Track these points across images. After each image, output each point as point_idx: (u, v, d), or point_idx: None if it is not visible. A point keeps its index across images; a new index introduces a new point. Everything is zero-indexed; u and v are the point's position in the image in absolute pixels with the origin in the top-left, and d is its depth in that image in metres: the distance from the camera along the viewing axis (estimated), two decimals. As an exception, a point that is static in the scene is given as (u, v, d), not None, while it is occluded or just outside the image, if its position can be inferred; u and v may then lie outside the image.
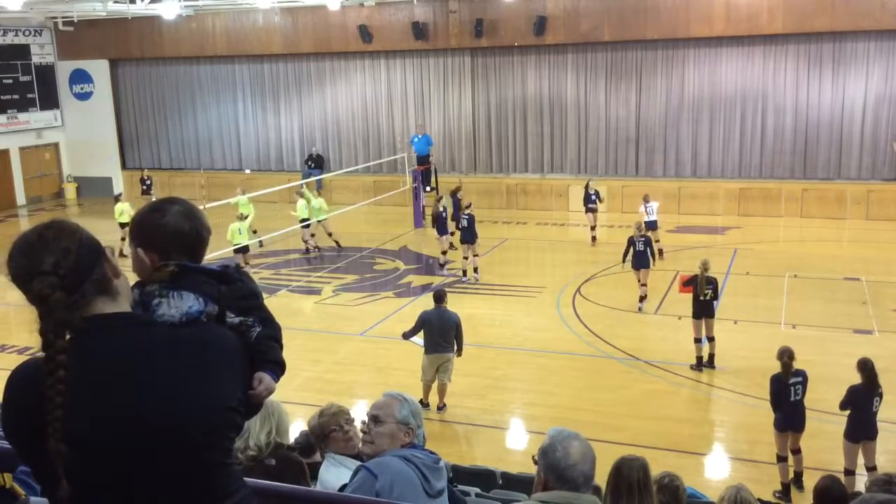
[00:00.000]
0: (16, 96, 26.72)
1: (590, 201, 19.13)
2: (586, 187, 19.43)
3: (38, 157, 27.84)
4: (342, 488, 3.48)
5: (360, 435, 3.97)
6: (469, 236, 16.58)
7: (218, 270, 2.17)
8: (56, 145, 28.33)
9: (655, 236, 16.73)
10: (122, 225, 18.07)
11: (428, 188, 22.49)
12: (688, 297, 12.01)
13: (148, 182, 24.09)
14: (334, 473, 4.06)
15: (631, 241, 14.73)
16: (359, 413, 4.48)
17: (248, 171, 26.55)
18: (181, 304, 2.06)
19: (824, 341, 12.69)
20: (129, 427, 1.88)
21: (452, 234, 17.45)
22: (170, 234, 2.16)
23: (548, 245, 20.68)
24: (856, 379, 8.41)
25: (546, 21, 22.38)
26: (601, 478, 4.25)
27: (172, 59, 27.08)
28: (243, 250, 17.09)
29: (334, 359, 13.00)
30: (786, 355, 8.58)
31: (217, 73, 26.98)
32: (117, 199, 20.28)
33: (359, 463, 3.82)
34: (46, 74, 27.57)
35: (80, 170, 28.34)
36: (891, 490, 4.63)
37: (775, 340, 10.81)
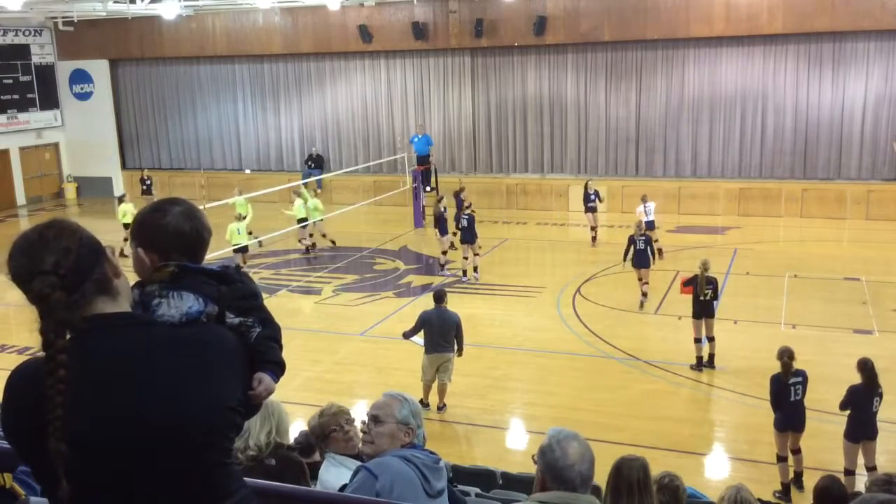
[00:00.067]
0: (16, 96, 26.72)
1: (589, 201, 19.14)
2: (586, 187, 19.44)
3: (38, 157, 27.84)
4: (342, 488, 3.48)
5: (361, 435, 3.97)
6: (469, 236, 16.59)
7: (218, 271, 2.18)
8: (56, 145, 28.33)
9: (654, 236, 16.73)
10: (126, 226, 18.06)
11: (428, 188, 22.50)
12: (688, 297, 12.01)
13: (148, 182, 24.09)
14: (334, 473, 4.06)
15: (631, 240, 14.76)
16: (359, 413, 4.48)
17: (248, 172, 26.56)
18: (181, 305, 2.07)
19: (824, 341, 12.69)
20: (129, 427, 1.88)
21: (455, 234, 17.43)
22: (170, 235, 2.17)
23: (548, 245, 20.68)
24: (856, 379, 8.41)
25: (546, 21, 22.39)
26: (601, 478, 4.25)
27: (172, 59, 27.08)
28: (242, 250, 17.09)
29: (334, 359, 13.00)
30: (786, 355, 8.58)
31: (217, 73, 26.98)
32: (121, 199, 20.28)
33: (359, 463, 3.82)
34: (46, 74, 27.57)
35: (80, 170, 28.35)
36: (891, 490, 4.63)
37: (775, 340, 10.81)
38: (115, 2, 21.99)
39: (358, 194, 24.40)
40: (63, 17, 26.00)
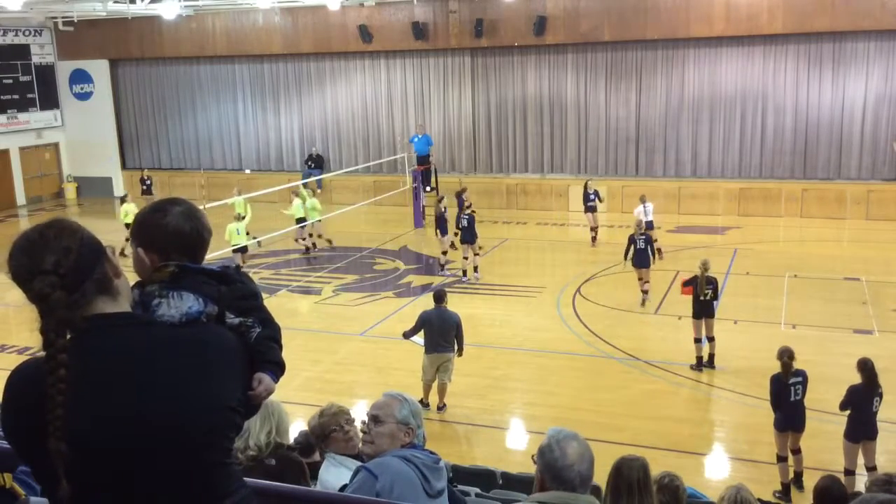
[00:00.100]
0: (16, 96, 26.71)
1: (589, 200, 19.14)
2: (585, 187, 19.44)
3: (38, 157, 27.84)
4: (342, 489, 3.48)
5: (361, 435, 3.97)
6: (469, 236, 16.60)
7: (218, 271, 2.18)
8: (56, 145, 28.33)
9: (653, 236, 16.73)
10: (128, 226, 18.06)
11: (428, 188, 22.49)
12: (687, 298, 12.01)
13: (148, 182, 24.09)
14: (334, 473, 4.06)
15: (631, 240, 14.78)
16: (359, 413, 4.48)
17: (248, 172, 26.56)
18: (181, 305, 2.07)
19: (824, 341, 12.69)
20: (129, 427, 1.88)
21: (456, 234, 17.41)
22: (170, 235, 2.17)
23: (548, 245, 20.68)
24: (856, 379, 8.41)
25: (546, 21, 22.39)
26: (601, 478, 4.25)
27: (172, 59, 27.08)
28: (242, 251, 17.09)
29: (334, 359, 13.00)
30: (786, 355, 8.58)
31: (217, 73, 26.98)
32: (123, 199, 20.28)
33: (359, 463, 3.82)
34: (46, 74, 27.57)
35: (80, 170, 28.35)
36: (891, 490, 4.63)
37: (775, 340, 10.81)
38: (115, 2, 21.99)
39: (358, 194, 24.40)
40: (63, 17, 26.00)
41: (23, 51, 26.86)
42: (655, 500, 4.23)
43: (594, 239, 19.30)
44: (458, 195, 19.05)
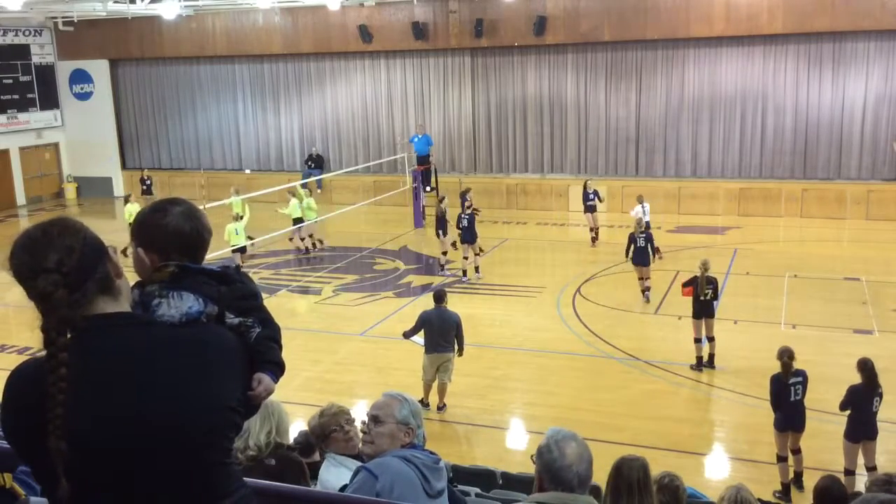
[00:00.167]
0: (16, 96, 26.71)
1: (588, 200, 19.13)
2: (585, 186, 19.44)
3: (38, 157, 27.84)
4: (342, 489, 3.48)
5: (361, 435, 3.97)
6: (469, 236, 16.60)
7: (218, 271, 2.18)
8: (56, 145, 28.32)
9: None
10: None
11: (428, 188, 22.49)
12: (687, 298, 12.00)
13: (148, 182, 24.10)
14: (334, 473, 4.06)
15: (632, 238, 14.80)
16: (359, 413, 4.48)
17: (248, 172, 26.56)
18: (181, 305, 2.07)
19: (824, 341, 12.69)
20: (129, 427, 1.88)
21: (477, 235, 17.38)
22: (170, 235, 2.17)
23: (548, 245, 20.68)
24: (856, 379, 8.41)
25: (546, 21, 22.39)
26: (601, 478, 4.25)
27: (172, 59, 27.08)
28: (241, 250, 17.09)
29: (334, 359, 13.00)
30: (786, 355, 8.58)
31: (217, 73, 26.98)
32: (127, 199, 20.28)
33: (359, 463, 3.82)
34: (46, 74, 27.57)
35: (80, 170, 28.35)
36: (891, 490, 4.63)
37: (775, 340, 10.81)
38: (115, 2, 21.99)
39: (358, 194, 24.40)
40: (63, 17, 26.00)
41: (23, 51, 26.86)
42: (655, 500, 4.23)
43: (594, 239, 19.29)
44: (463, 195, 19.02)
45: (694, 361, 11.85)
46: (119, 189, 28.05)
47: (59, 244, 1.91)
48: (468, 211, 16.88)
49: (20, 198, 27.11)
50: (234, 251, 16.64)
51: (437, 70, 24.63)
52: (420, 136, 23.16)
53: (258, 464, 4.26)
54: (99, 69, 27.72)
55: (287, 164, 26.60)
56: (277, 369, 2.21)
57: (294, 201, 19.08)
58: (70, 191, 28.34)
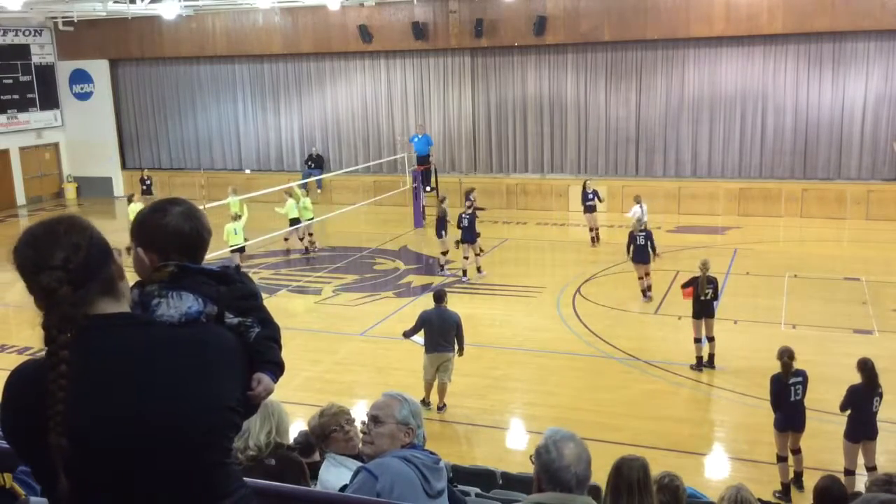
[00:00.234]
0: (16, 96, 26.71)
1: (587, 200, 19.12)
2: (584, 186, 19.44)
3: (38, 157, 27.84)
4: (342, 489, 3.48)
5: (361, 435, 3.97)
6: (469, 236, 16.61)
7: (217, 271, 2.18)
8: (56, 145, 28.32)
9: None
10: None
11: (428, 188, 22.49)
12: (687, 299, 11.99)
13: (148, 182, 24.10)
14: (334, 473, 4.06)
15: (632, 237, 14.82)
16: (359, 413, 4.48)
17: (248, 172, 26.56)
18: (180, 305, 2.07)
19: (824, 341, 12.69)
20: (128, 427, 1.88)
21: (479, 235, 17.37)
22: (170, 235, 2.17)
23: (548, 245, 20.69)
24: (856, 379, 8.41)
25: (546, 21, 22.39)
26: (601, 477, 4.25)
27: (172, 59, 27.08)
28: (239, 250, 17.09)
29: (334, 359, 13.00)
30: (786, 355, 8.58)
31: (217, 73, 26.98)
32: (130, 199, 20.28)
33: (359, 463, 3.82)
34: (46, 74, 27.57)
35: (80, 170, 28.35)
36: (891, 490, 4.63)
37: (775, 340, 10.81)
38: (115, 2, 21.99)
39: (358, 194, 24.40)
40: (63, 17, 25.99)
41: (23, 51, 26.86)
42: (655, 500, 4.23)
43: (594, 239, 19.26)
44: (467, 194, 18.99)
45: (694, 361, 11.84)
46: (119, 189, 28.06)
47: (66, 242, 1.91)
48: (469, 211, 16.88)
49: (20, 198, 27.11)
50: (232, 251, 16.65)
51: (437, 70, 24.63)
52: (420, 136, 23.16)
53: (258, 464, 4.26)
54: (99, 69, 27.72)
55: (287, 164, 26.60)
56: (277, 369, 2.21)
57: (290, 201, 19.05)
58: (70, 191, 28.34)
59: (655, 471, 4.52)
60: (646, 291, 14.95)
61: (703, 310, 11.71)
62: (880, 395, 8.35)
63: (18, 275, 1.92)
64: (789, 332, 13.12)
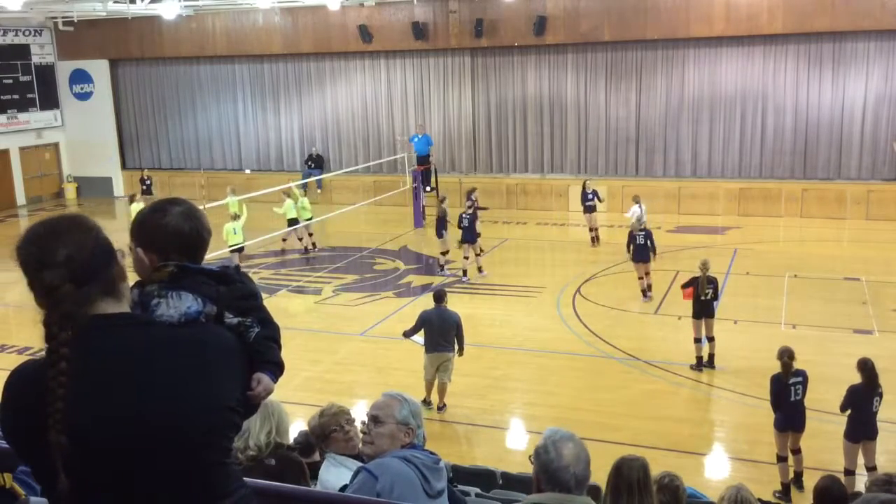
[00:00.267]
0: (16, 96, 26.71)
1: (587, 200, 19.11)
2: (584, 187, 19.43)
3: (38, 157, 27.84)
4: (342, 489, 3.48)
5: (361, 435, 3.96)
6: (469, 236, 16.61)
7: (217, 271, 2.18)
8: (56, 145, 28.33)
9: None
10: None
11: (428, 188, 22.49)
12: (687, 299, 11.99)
13: (148, 182, 24.11)
14: (334, 473, 4.06)
15: (632, 236, 14.83)
16: (359, 413, 4.47)
17: (248, 172, 26.56)
18: (180, 305, 2.07)
19: (824, 341, 12.69)
20: (128, 427, 1.88)
21: (479, 235, 17.38)
22: (170, 235, 2.17)
23: (548, 245, 20.69)
24: (856, 379, 8.41)
25: (546, 21, 22.39)
26: (601, 477, 4.25)
27: (172, 59, 27.08)
28: (238, 250, 17.10)
29: (334, 359, 12.99)
30: (786, 355, 8.58)
31: (217, 73, 26.98)
32: (132, 198, 20.29)
33: (359, 463, 3.82)
34: (46, 74, 27.57)
35: (80, 170, 28.35)
36: (891, 490, 4.63)
37: (775, 340, 10.81)
38: (115, 2, 21.99)
39: (358, 194, 24.40)
40: (63, 17, 25.99)
41: (23, 51, 26.86)
42: (655, 500, 4.23)
43: (594, 240, 19.24)
44: (469, 194, 18.99)
45: (694, 361, 11.84)
46: (119, 189, 28.07)
47: (71, 240, 1.92)
48: (469, 211, 16.89)
49: (20, 198, 27.11)
50: (232, 251, 16.66)
51: (437, 70, 24.63)
52: (420, 136, 23.16)
53: (258, 464, 4.26)
54: (99, 69, 27.72)
55: (287, 164, 26.60)
56: (277, 369, 2.21)
57: (288, 201, 19.03)
58: (70, 191, 28.34)
59: (655, 471, 4.52)
60: (646, 291, 14.97)
61: (704, 310, 11.71)
62: (880, 395, 8.35)
63: (21, 271, 1.92)
64: (789, 332, 13.12)
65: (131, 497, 1.92)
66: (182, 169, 27.61)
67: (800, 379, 8.60)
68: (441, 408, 10.80)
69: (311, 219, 19.51)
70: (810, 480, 7.52)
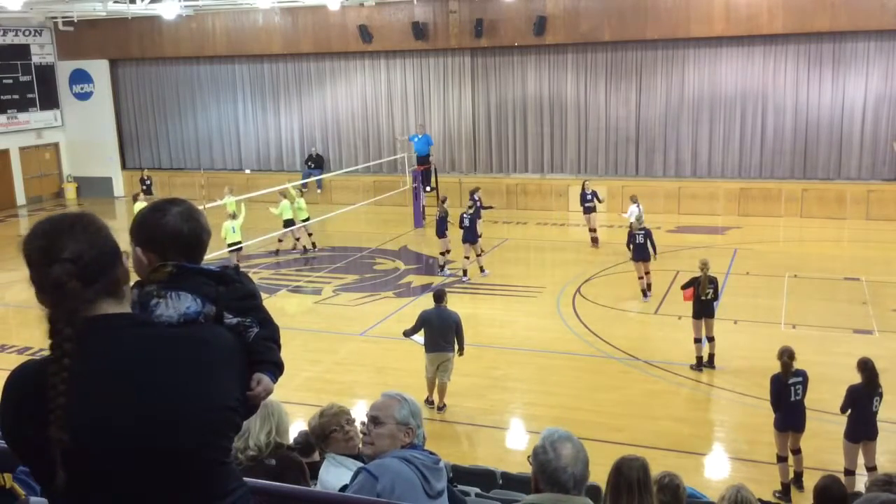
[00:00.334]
0: (16, 96, 26.71)
1: (586, 201, 19.10)
2: (583, 187, 19.42)
3: (38, 157, 27.84)
4: (342, 489, 3.48)
5: (361, 436, 3.96)
6: (470, 236, 16.61)
7: (216, 271, 2.18)
8: (56, 145, 28.33)
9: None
10: None
11: (428, 188, 22.49)
12: (688, 300, 11.99)
13: (148, 182, 24.11)
14: (334, 474, 4.05)
15: (631, 235, 14.83)
16: (359, 413, 4.47)
17: (248, 172, 26.56)
18: (179, 305, 2.07)
19: (824, 341, 12.69)
20: (128, 426, 1.88)
21: (480, 235, 17.38)
22: (168, 235, 2.17)
23: (548, 245, 20.69)
24: (856, 379, 8.40)
25: (546, 21, 22.39)
26: (601, 477, 4.25)
27: (172, 59, 27.08)
28: (237, 249, 17.10)
29: (334, 359, 12.99)
30: (786, 355, 8.58)
31: (217, 73, 26.98)
32: (135, 197, 20.26)
33: (359, 463, 3.82)
34: (46, 74, 27.57)
35: (80, 170, 28.35)
36: (891, 490, 4.62)
37: (775, 340, 10.81)
38: (115, 2, 21.99)
39: (358, 194, 24.39)
40: (63, 17, 26.00)
41: (23, 51, 26.86)
42: (655, 499, 4.23)
43: (594, 240, 19.22)
44: (471, 194, 18.99)
45: (694, 361, 11.84)
46: (119, 189, 28.07)
47: (81, 237, 1.93)
48: (470, 211, 16.89)
49: (20, 198, 27.11)
50: (230, 251, 16.67)
51: (437, 70, 24.63)
52: (420, 136, 23.16)
53: (258, 464, 4.26)
54: (99, 69, 27.72)
55: (287, 164, 26.60)
56: (276, 369, 2.21)
57: (284, 202, 19.00)
58: (70, 191, 28.34)
59: (655, 471, 4.52)
60: (646, 291, 14.97)
61: (704, 310, 11.71)
62: (880, 395, 8.35)
63: (26, 265, 1.92)
64: (789, 332, 13.12)
65: (131, 496, 1.92)
66: (182, 169, 27.61)
67: (800, 379, 8.59)
68: (441, 408, 10.80)
69: (307, 219, 19.47)
70: (810, 480, 7.52)
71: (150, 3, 22.05)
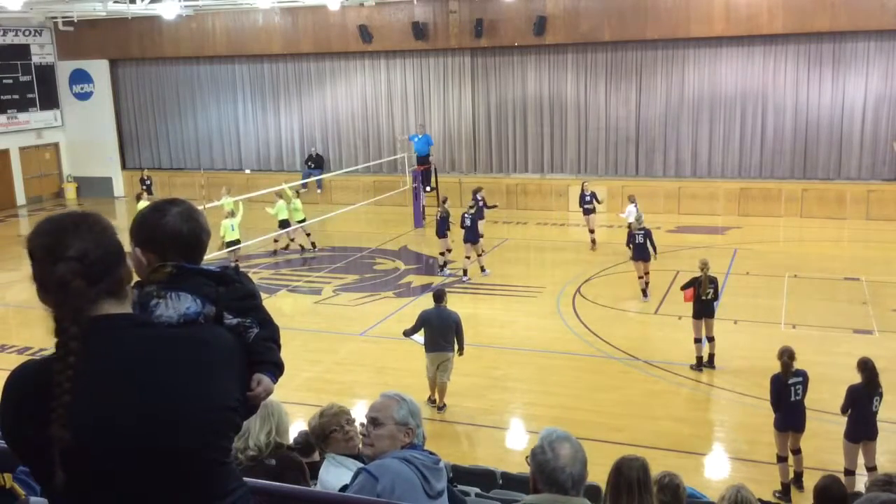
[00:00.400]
0: (16, 96, 26.72)
1: (585, 202, 19.09)
2: (582, 188, 19.41)
3: (38, 157, 27.84)
4: (342, 489, 3.48)
5: (361, 436, 3.96)
6: (471, 236, 16.61)
7: (216, 271, 2.18)
8: (56, 145, 28.33)
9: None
10: None
11: (428, 188, 22.49)
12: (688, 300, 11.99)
13: (148, 182, 24.11)
14: (334, 474, 4.05)
15: (631, 235, 14.83)
16: (359, 413, 4.47)
17: (248, 172, 26.56)
18: (179, 305, 2.07)
19: (824, 341, 12.69)
20: (128, 426, 1.88)
21: (482, 235, 17.38)
22: (168, 235, 2.17)
23: (548, 245, 20.69)
24: (856, 379, 8.40)
25: (546, 21, 22.39)
26: (601, 477, 4.26)
27: (172, 59, 27.09)
28: (235, 247, 17.10)
29: (334, 359, 13.00)
30: (786, 355, 8.58)
31: (217, 73, 26.98)
32: (139, 197, 20.26)
33: (359, 464, 3.82)
34: (46, 74, 27.57)
35: (80, 170, 28.35)
36: (891, 490, 4.62)
37: (775, 340, 10.81)
38: (115, 2, 21.98)
39: (358, 194, 24.39)
40: (63, 17, 26.00)
41: (23, 51, 26.87)
42: (655, 499, 4.23)
43: (594, 241, 19.20)
44: (474, 193, 18.97)
45: (694, 361, 11.85)
46: (119, 189, 28.08)
47: (87, 236, 1.93)
48: (471, 211, 16.90)
49: (20, 198, 27.11)
50: (229, 250, 16.67)
51: (437, 70, 24.63)
52: (420, 136, 23.16)
53: (258, 464, 4.26)
54: (99, 69, 27.72)
55: (287, 164, 26.60)
56: (276, 370, 2.21)
57: (280, 202, 18.99)
58: (70, 191, 28.34)
59: (655, 471, 4.52)
60: (645, 290, 14.97)
61: (704, 310, 11.71)
62: (880, 395, 8.35)
63: (30, 263, 1.92)
64: (789, 332, 13.12)
65: (131, 496, 1.92)
66: (182, 169, 27.61)
67: (800, 379, 8.59)
68: (441, 408, 10.80)
69: (303, 220, 19.44)
70: (810, 480, 7.52)
71: (150, 3, 22.05)
